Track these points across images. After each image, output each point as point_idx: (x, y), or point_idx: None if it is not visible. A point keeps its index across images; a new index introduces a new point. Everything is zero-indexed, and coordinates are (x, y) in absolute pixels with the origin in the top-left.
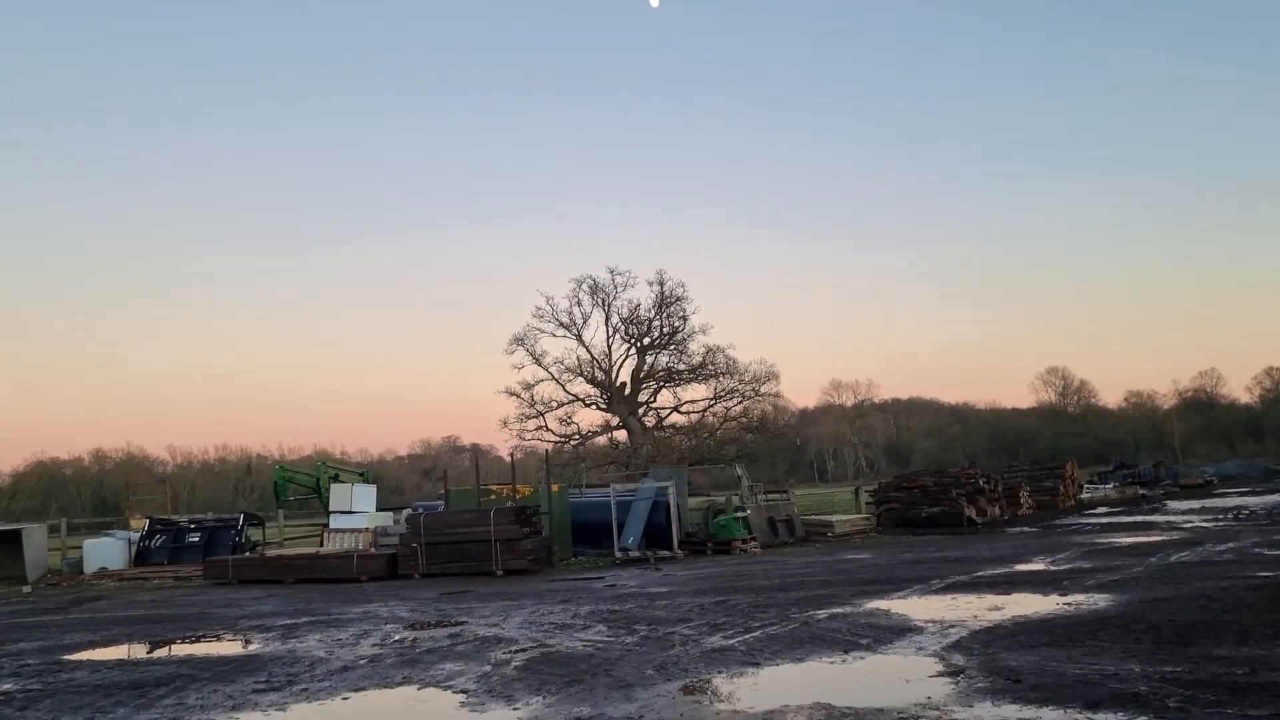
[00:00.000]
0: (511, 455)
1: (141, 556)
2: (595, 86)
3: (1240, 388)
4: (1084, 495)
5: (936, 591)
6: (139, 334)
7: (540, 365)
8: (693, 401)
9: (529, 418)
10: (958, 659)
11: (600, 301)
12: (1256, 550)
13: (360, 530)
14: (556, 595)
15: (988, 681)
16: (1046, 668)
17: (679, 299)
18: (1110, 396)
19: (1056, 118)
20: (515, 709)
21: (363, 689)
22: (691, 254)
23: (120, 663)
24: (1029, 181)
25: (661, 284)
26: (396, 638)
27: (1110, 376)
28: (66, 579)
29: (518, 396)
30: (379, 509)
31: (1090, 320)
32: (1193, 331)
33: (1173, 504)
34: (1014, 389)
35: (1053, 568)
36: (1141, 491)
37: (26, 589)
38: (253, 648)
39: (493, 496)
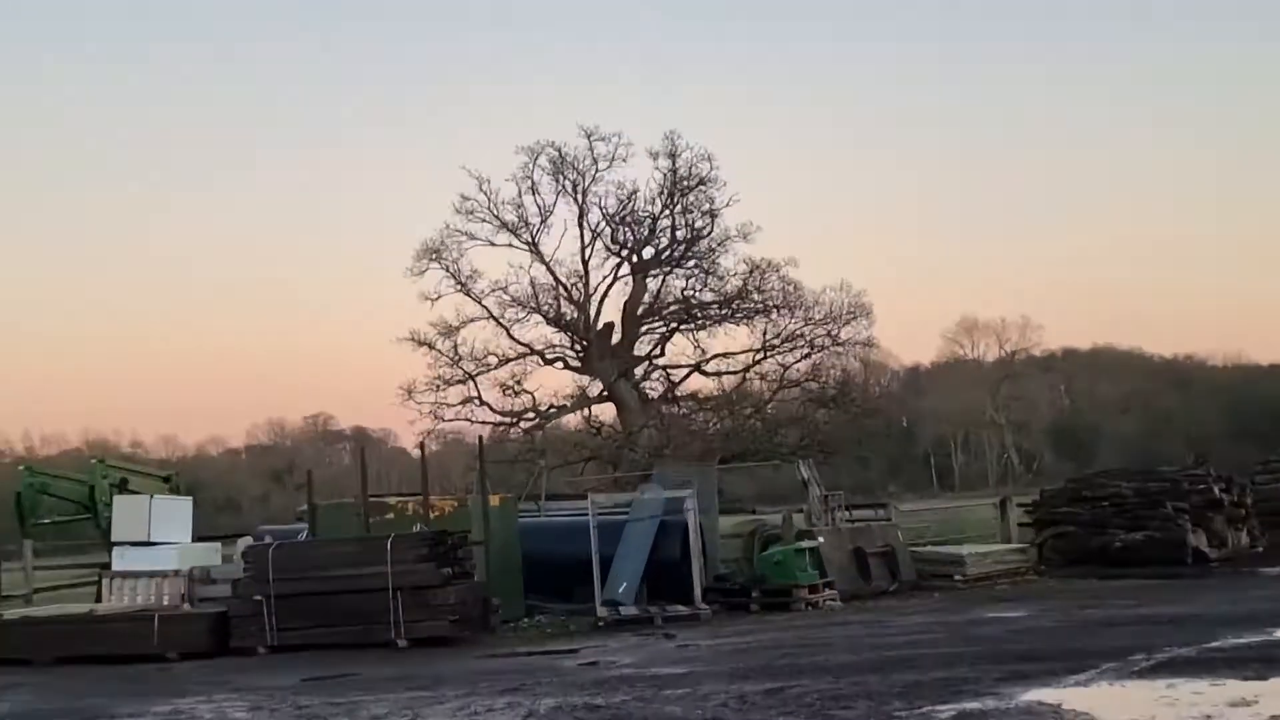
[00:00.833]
0: (421, 446)
1: None
2: None
3: None
4: None
5: (1140, 673)
6: None
7: (469, 295)
8: (727, 356)
9: (450, 383)
10: None
11: (571, 186)
12: None
13: (166, 574)
14: (499, 682)
15: None
16: None
17: (703, 181)
18: None
19: None
20: None
21: None
22: (720, 113)
23: None
24: None
25: (673, 156)
26: None
27: None
28: None
29: (431, 348)
30: (197, 538)
31: None
32: None
33: None
34: (1272, 334)
35: None
36: None
37: None
38: None
39: (390, 516)
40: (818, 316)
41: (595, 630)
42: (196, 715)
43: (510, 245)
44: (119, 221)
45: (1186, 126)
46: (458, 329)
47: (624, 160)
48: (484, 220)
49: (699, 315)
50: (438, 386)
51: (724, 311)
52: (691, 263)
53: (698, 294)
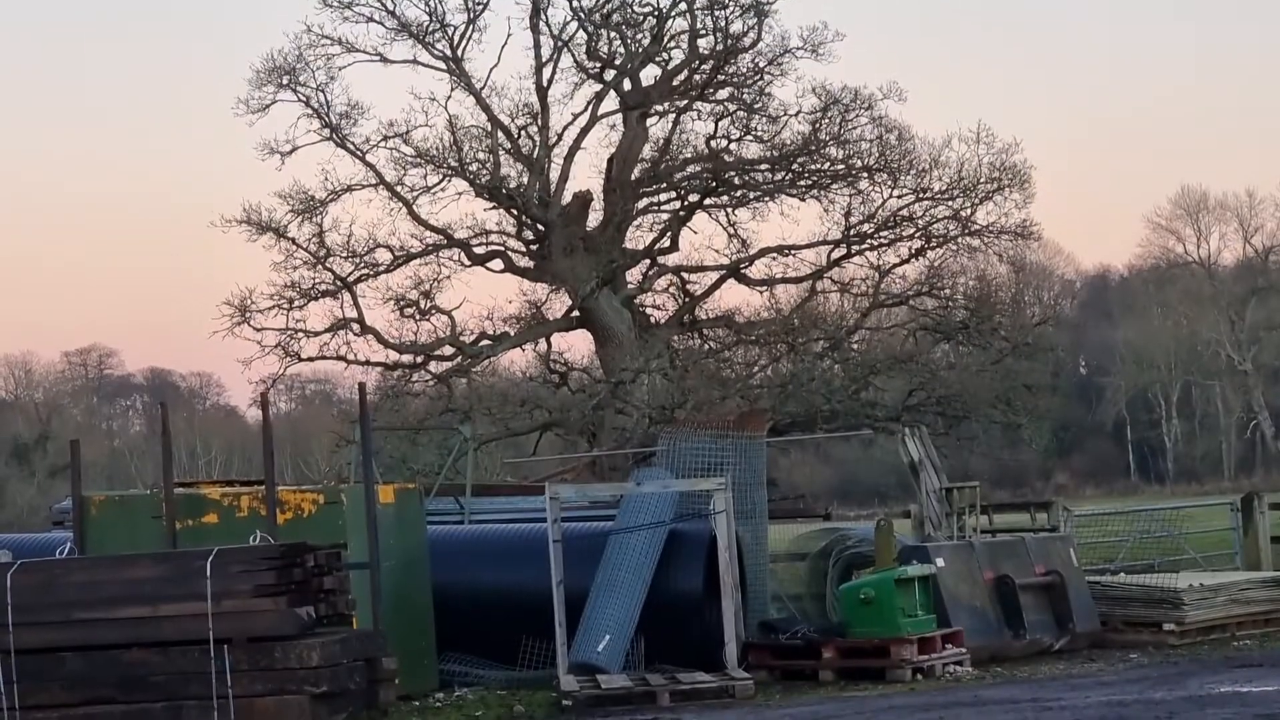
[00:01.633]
0: (263, 402)
1: None
2: None
3: None
4: None
5: None
6: None
7: (345, 147)
8: (784, 251)
9: (313, 295)
10: None
11: None
12: None
13: None
14: None
15: None
16: None
17: None
18: None
19: None
20: None
21: None
22: None
23: None
24: None
25: None
26: None
27: None
28: None
29: (280, 236)
30: None
31: None
32: None
33: None
34: None
35: None
36: None
37: None
38: None
39: (212, 518)
40: (938, 186)
41: (557, 716)
42: None
43: (415, 62)
44: None
45: None
46: (325, 204)
47: None
48: (370, 19)
49: (737, 182)
50: (291, 302)
51: (779, 176)
52: (725, 93)
53: (735, 146)
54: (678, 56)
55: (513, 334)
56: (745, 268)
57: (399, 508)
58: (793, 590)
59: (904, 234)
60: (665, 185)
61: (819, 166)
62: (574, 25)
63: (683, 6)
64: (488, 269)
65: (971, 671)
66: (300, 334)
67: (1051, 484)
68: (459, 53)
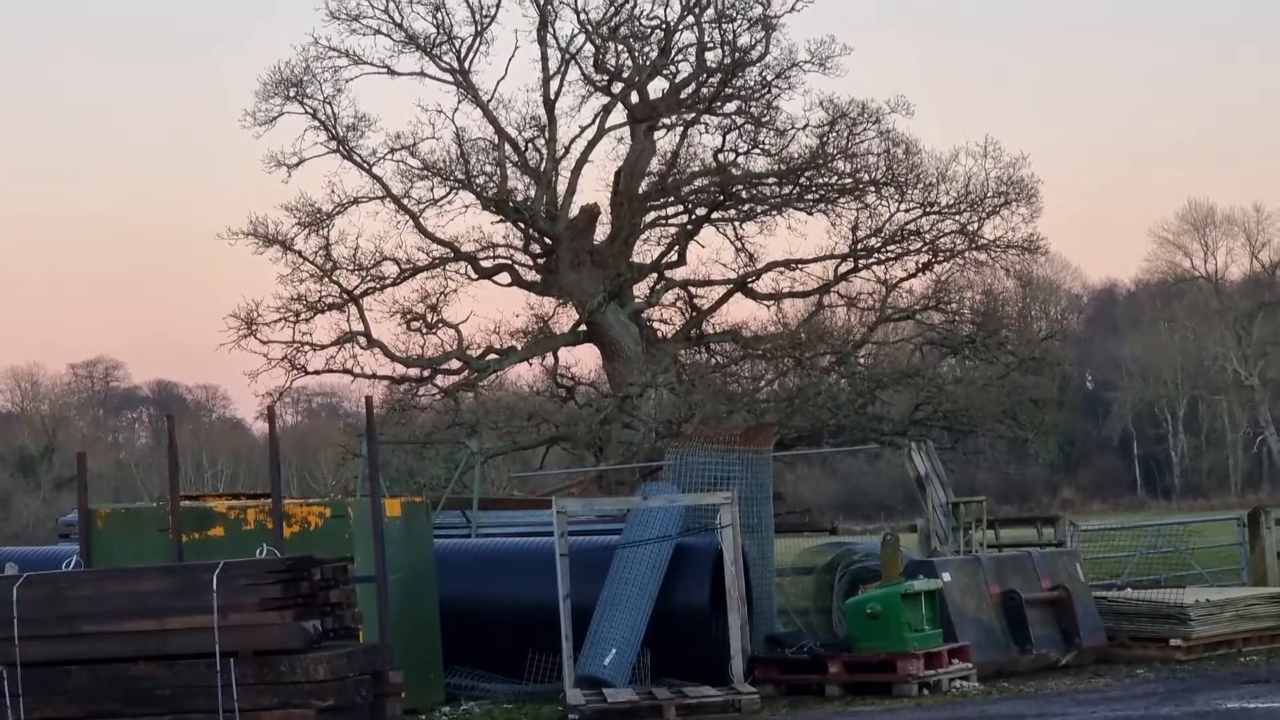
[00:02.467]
0: (269, 416)
1: None
2: None
3: None
4: None
5: None
6: None
7: (351, 159)
8: (791, 266)
9: (319, 308)
10: None
11: None
12: None
13: None
14: None
15: None
16: None
17: None
18: None
19: None
20: None
21: None
22: None
23: None
24: None
25: None
26: None
27: None
28: None
29: (286, 249)
30: None
31: None
32: None
33: None
34: None
35: None
36: None
37: None
38: None
39: (218, 531)
40: (945, 200)
41: None
42: None
43: (422, 74)
44: None
45: None
46: (331, 217)
47: None
48: (378, 31)
49: (745, 196)
50: (297, 315)
51: (787, 190)
52: (732, 107)
53: (742, 159)
54: (685, 70)
55: (520, 348)
56: (752, 282)
57: (406, 521)
58: (799, 605)
59: (911, 248)
60: (673, 199)
61: (826, 180)
62: (581, 38)
63: (690, 20)
64: (495, 283)
65: (978, 686)
66: (307, 347)
67: (1058, 499)
68: (466, 65)
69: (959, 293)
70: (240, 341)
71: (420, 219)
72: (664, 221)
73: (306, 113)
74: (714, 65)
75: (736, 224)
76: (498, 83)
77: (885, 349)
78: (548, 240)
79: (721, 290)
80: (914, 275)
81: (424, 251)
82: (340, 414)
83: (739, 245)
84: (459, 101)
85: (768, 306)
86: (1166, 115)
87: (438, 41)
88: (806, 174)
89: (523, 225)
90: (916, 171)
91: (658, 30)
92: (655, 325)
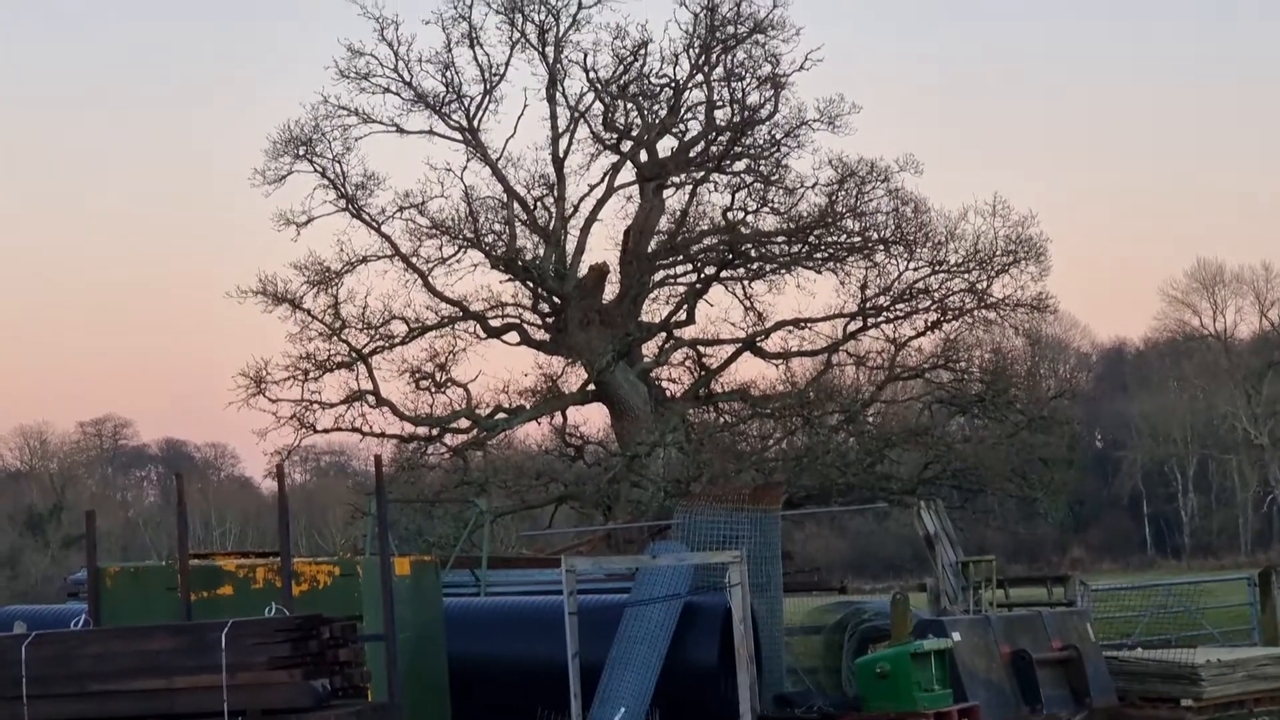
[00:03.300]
0: (279, 474)
1: None
2: None
3: None
4: None
5: None
6: None
7: (360, 218)
8: (800, 325)
9: (328, 367)
10: None
11: (536, 34)
12: None
13: None
14: None
15: None
16: None
17: (760, 27)
18: None
19: None
20: None
21: None
22: None
23: None
24: None
25: None
26: None
27: None
28: None
29: (295, 308)
30: None
31: None
32: None
33: None
34: None
35: None
36: None
37: None
38: None
39: (227, 589)
40: (954, 259)
41: None
42: None
43: (431, 133)
44: None
45: None
46: (340, 275)
47: None
48: (387, 90)
49: (754, 255)
50: (306, 374)
51: (796, 249)
52: (741, 165)
53: (752, 218)
54: (695, 128)
55: (528, 407)
56: (761, 341)
57: (415, 580)
58: (808, 664)
59: (920, 307)
60: (681, 258)
61: (835, 239)
62: (590, 96)
63: (700, 78)
64: (504, 342)
65: None
66: (316, 406)
67: (1068, 558)
68: (475, 123)
69: (968, 351)
70: (249, 400)
71: (429, 278)
72: (673, 280)
73: (316, 171)
74: (723, 123)
75: (745, 283)
76: (506, 141)
77: (894, 408)
78: (556, 299)
79: (730, 349)
80: (923, 334)
81: (433, 310)
82: (349, 472)
83: (748, 304)
84: (468, 160)
85: (776, 365)
86: (1175, 174)
87: (447, 100)
88: (815, 232)
89: (531, 284)
90: (925, 230)
91: (667, 88)
92: (664, 384)
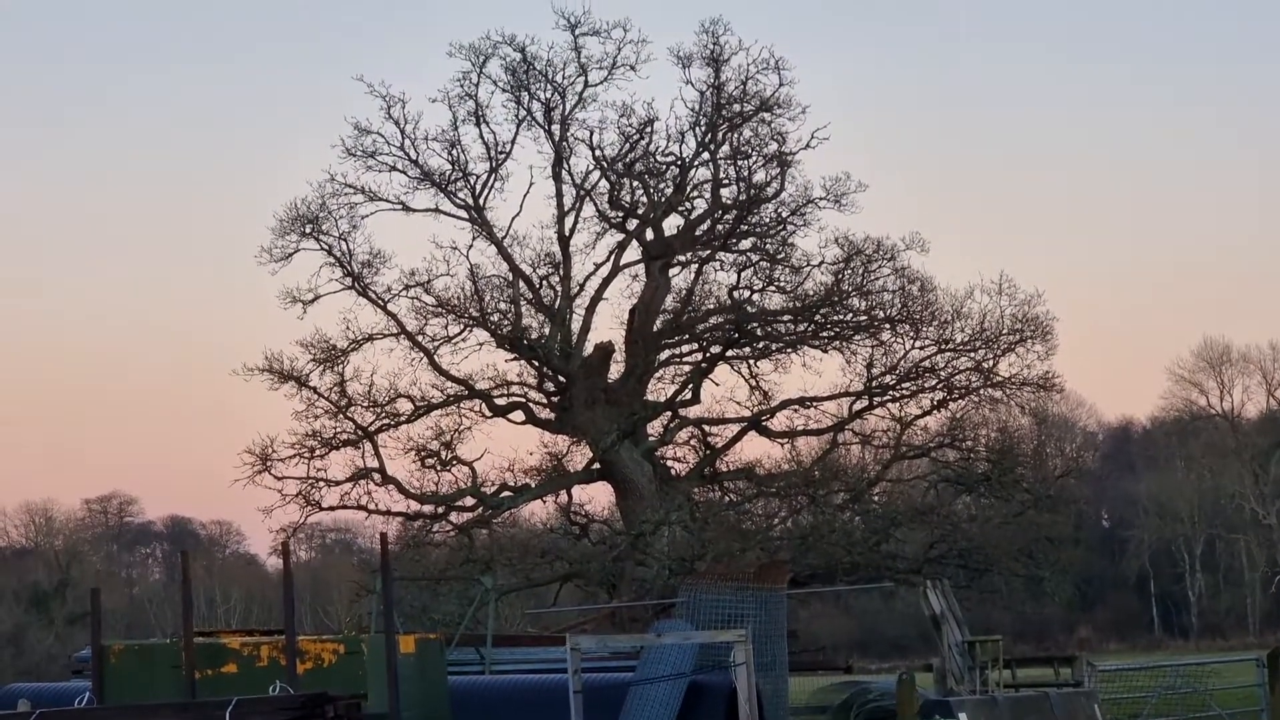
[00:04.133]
0: (284, 551)
1: None
2: None
3: None
4: None
5: None
6: None
7: (366, 296)
8: (806, 404)
9: (334, 445)
10: None
11: (542, 112)
12: None
13: None
14: None
15: None
16: None
17: (766, 106)
18: None
19: None
20: None
21: None
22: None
23: None
24: None
25: (717, 61)
26: None
27: None
28: None
29: (301, 385)
30: None
31: None
32: None
33: None
34: None
35: None
36: None
37: None
38: None
39: (231, 668)
40: (960, 338)
41: None
42: None
43: (437, 211)
44: None
45: None
46: (346, 353)
47: (632, 69)
48: (394, 168)
49: (759, 334)
50: (312, 451)
51: (802, 328)
52: (747, 244)
53: (758, 297)
54: (701, 206)
55: (534, 485)
56: (766, 420)
57: (420, 658)
58: None
59: (926, 385)
60: (687, 337)
61: (841, 317)
62: (596, 174)
63: (706, 156)
64: (509, 420)
65: None
66: (321, 483)
67: (1075, 638)
68: (481, 201)
69: (974, 430)
70: (255, 477)
71: (435, 356)
72: (678, 359)
73: (322, 249)
74: (729, 201)
75: (751, 362)
76: (512, 219)
77: (900, 486)
78: (562, 378)
79: (735, 428)
80: (929, 413)
81: (438, 389)
82: (354, 550)
83: (753, 383)
84: (473, 238)
85: (782, 444)
86: (1182, 253)
87: (453, 178)
88: (821, 311)
89: (537, 363)
90: (931, 309)
91: (673, 166)
92: (669, 463)
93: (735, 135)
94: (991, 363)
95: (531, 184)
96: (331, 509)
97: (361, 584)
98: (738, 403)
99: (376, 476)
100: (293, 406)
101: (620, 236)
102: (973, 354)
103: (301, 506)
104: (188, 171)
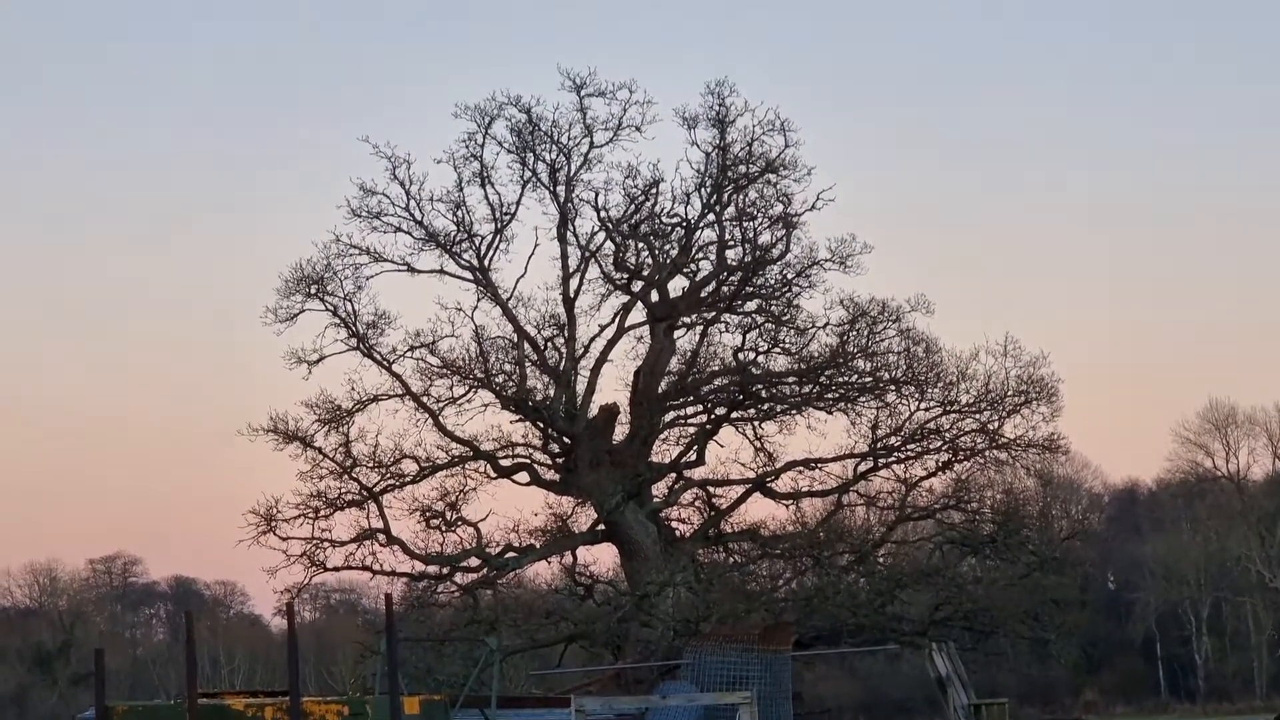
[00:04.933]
0: (288, 612)
1: None
2: None
3: None
4: None
5: None
6: None
7: (371, 357)
8: (811, 465)
9: (338, 505)
10: None
11: (548, 173)
12: None
13: None
14: None
15: None
16: None
17: (771, 167)
18: None
19: None
20: None
21: None
22: (802, 61)
23: None
24: None
25: (722, 123)
26: None
27: None
28: None
29: (306, 446)
30: None
31: None
32: None
33: None
34: None
35: None
36: None
37: None
38: None
39: None
40: (965, 399)
41: None
42: None
43: (442, 272)
44: None
45: None
46: (351, 414)
47: (638, 129)
48: (399, 229)
49: (764, 395)
50: (317, 512)
51: (807, 389)
52: (753, 305)
53: (762, 358)
54: (706, 267)
55: (538, 546)
56: (771, 481)
57: (425, 719)
58: None
59: (931, 447)
60: (692, 398)
61: (846, 379)
62: (601, 236)
63: (711, 217)
64: (514, 481)
65: None
66: (326, 543)
67: (1081, 701)
68: (486, 263)
69: (979, 492)
70: (259, 538)
71: (439, 417)
72: (683, 421)
73: (327, 310)
74: (735, 263)
75: (756, 423)
76: (517, 281)
77: (905, 548)
78: (567, 439)
79: (740, 490)
80: (934, 474)
81: (443, 450)
82: (359, 611)
83: (758, 445)
84: (478, 299)
85: (786, 505)
86: (1187, 314)
87: (458, 239)
88: (826, 373)
89: (542, 425)
90: (937, 370)
91: (678, 228)
92: (674, 524)
93: (741, 196)
94: (997, 424)
95: (536, 245)
96: (336, 570)
97: (366, 645)
98: (742, 464)
99: (381, 537)
100: (298, 467)
101: (625, 298)
102: (978, 415)
103: (306, 567)
104: (192, 230)
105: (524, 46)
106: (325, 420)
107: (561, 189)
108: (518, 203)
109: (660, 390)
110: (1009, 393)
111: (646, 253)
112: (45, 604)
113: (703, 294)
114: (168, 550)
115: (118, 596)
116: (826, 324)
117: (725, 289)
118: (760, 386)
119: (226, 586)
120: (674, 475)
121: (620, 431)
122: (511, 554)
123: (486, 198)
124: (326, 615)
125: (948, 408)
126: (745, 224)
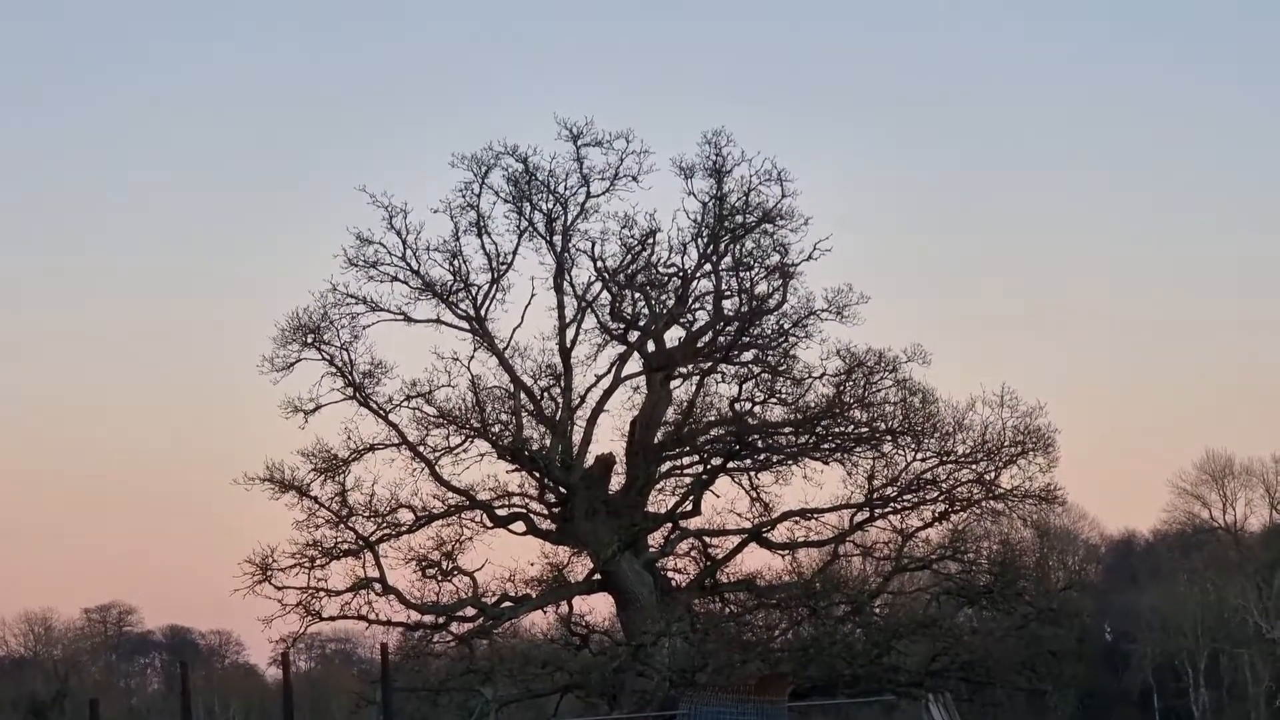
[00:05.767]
0: (284, 662)
1: None
2: None
3: None
4: None
5: None
6: None
7: (368, 406)
8: (807, 516)
9: (335, 555)
10: None
11: (544, 222)
12: None
13: None
14: None
15: None
16: None
17: (768, 217)
18: None
19: None
20: None
21: None
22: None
23: None
24: None
25: (719, 173)
26: None
27: None
28: None
29: (302, 495)
30: None
31: None
32: None
33: None
34: None
35: None
36: None
37: None
38: None
39: None
40: (962, 450)
41: None
42: None
43: (439, 322)
44: None
45: None
46: (347, 463)
47: (634, 180)
48: (395, 278)
49: (760, 446)
50: (313, 561)
51: (803, 439)
52: (749, 355)
53: (759, 409)
54: (702, 318)
55: (534, 596)
56: (767, 531)
57: None
58: None
59: (927, 497)
60: (688, 448)
61: (843, 429)
62: (598, 286)
63: (708, 267)
64: (510, 531)
65: None
66: (321, 593)
67: None
68: (483, 312)
69: (976, 542)
70: (255, 587)
71: (436, 467)
72: (679, 471)
73: (324, 359)
74: (731, 313)
75: (752, 473)
76: (514, 331)
77: (901, 598)
78: (563, 489)
79: (736, 540)
80: (930, 524)
81: (439, 499)
82: (354, 660)
83: (754, 495)
84: (475, 349)
85: (782, 555)
86: (1184, 366)
87: (454, 289)
88: (823, 423)
89: (538, 474)
90: (933, 420)
91: (675, 278)
92: (670, 574)
93: (737, 246)
94: (993, 475)
95: (533, 295)
96: (332, 619)
97: (361, 694)
98: (738, 514)
99: (377, 586)
100: (293, 516)
101: (622, 348)
102: (974, 466)
103: (302, 616)
104: (188, 280)
105: (521, 96)
106: (321, 469)
107: (558, 239)
108: (514, 252)
109: (656, 440)
110: (1006, 443)
111: (643, 303)
112: (40, 653)
113: (699, 344)
114: (163, 599)
115: (112, 646)
116: (823, 374)
117: (722, 339)
118: (756, 437)
119: (221, 636)
120: (670, 525)
121: (616, 481)
122: (507, 603)
123: (483, 247)
124: (322, 665)
125: (944, 458)
126: (742, 274)
